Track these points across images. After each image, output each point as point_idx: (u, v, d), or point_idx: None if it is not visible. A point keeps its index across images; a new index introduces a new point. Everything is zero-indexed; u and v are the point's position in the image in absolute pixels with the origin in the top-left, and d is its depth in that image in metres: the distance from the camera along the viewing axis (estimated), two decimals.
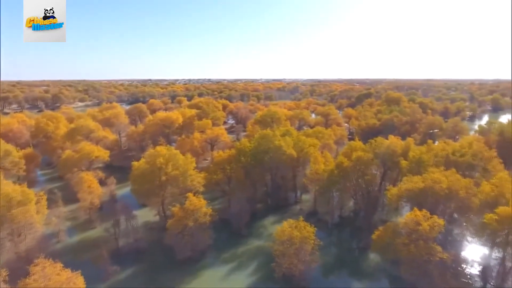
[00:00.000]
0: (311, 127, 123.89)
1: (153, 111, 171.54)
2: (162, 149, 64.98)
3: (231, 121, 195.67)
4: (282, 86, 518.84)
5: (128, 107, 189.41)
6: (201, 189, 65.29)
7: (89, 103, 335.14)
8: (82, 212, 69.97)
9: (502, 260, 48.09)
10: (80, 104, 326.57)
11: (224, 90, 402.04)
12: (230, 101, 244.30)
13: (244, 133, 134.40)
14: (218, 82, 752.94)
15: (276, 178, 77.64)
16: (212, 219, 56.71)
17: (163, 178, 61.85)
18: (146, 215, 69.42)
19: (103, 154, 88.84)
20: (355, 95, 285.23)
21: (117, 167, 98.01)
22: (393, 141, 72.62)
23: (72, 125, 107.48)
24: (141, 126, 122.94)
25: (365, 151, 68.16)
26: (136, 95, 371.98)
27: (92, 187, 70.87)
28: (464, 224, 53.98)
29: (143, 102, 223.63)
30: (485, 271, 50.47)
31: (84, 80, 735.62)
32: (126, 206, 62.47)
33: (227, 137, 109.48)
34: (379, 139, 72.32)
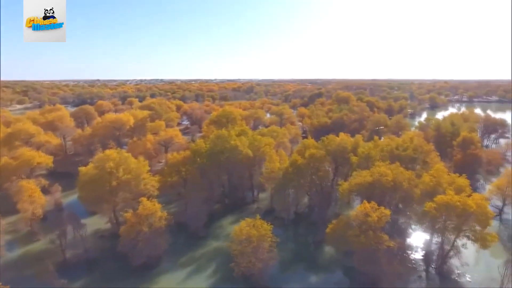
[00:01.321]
0: (266, 127, 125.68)
1: (101, 113, 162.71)
2: (112, 152, 61.91)
3: (185, 122, 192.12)
4: (237, 86, 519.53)
5: (74, 109, 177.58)
6: (156, 192, 63.23)
7: (29, 105, 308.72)
8: (23, 224, 64.35)
9: (441, 244, 52.67)
10: (18, 106, 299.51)
11: (178, 91, 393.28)
12: (185, 102, 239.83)
13: (200, 134, 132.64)
14: (171, 82, 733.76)
15: (232, 178, 77.69)
16: (168, 223, 55.30)
17: (114, 183, 58.94)
18: (96, 223, 65.79)
19: (46, 160, 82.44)
20: (308, 94, 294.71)
21: (62, 174, 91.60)
22: (343, 138, 76.35)
23: (9, 130, 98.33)
24: (89, 129, 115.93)
25: (317, 149, 70.71)
26: (83, 96, 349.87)
27: (34, 196, 65.34)
28: (408, 213, 58.17)
29: (91, 104, 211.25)
30: (427, 255, 54.86)
31: (23, 81, 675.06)
32: (74, 215, 58.62)
33: (181, 138, 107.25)
34: (331, 136, 75.47)
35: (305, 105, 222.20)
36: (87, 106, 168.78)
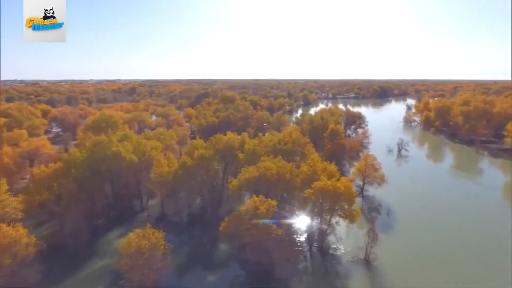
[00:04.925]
0: (152, 129, 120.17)
1: None
2: None
3: (56, 129, 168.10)
4: (118, 87, 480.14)
5: None
6: (19, 215, 53.28)
7: None
8: None
9: (320, 225, 59.79)
10: None
11: (43, 93, 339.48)
12: (53, 106, 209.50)
13: (74, 142, 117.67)
14: (35, 83, 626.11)
15: (117, 187, 71.76)
16: (39, 248, 47.44)
17: None
18: None
19: None
20: (194, 95, 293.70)
21: None
22: (230, 137, 78.94)
23: None
24: None
25: (206, 149, 71.28)
26: None
27: None
28: (292, 201, 64.03)
29: None
30: (310, 236, 61.45)
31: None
32: None
33: (51, 149, 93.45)
34: (218, 136, 77.02)
35: (192, 105, 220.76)
36: None
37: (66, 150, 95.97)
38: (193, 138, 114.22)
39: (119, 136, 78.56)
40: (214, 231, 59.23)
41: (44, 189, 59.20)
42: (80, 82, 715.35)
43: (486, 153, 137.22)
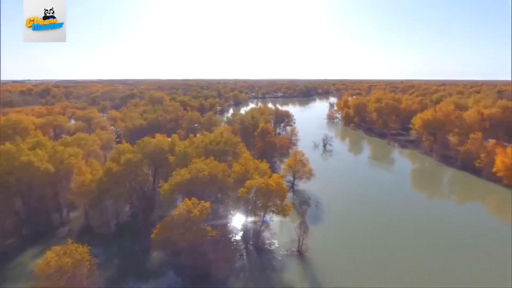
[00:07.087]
0: (71, 135, 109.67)
1: None
2: None
3: None
4: (27, 88, 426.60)
5: None
6: None
7: None
8: None
9: (254, 222, 61.07)
10: None
11: None
12: None
13: None
14: None
15: (30, 201, 63.90)
16: None
17: None
18: None
19: None
20: (119, 96, 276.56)
21: None
22: (160, 139, 76.11)
23: None
24: None
25: (134, 153, 67.65)
26: None
27: None
28: (226, 200, 64.20)
29: None
30: (245, 234, 62.38)
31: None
32: None
33: None
34: (147, 139, 73.63)
35: (116, 107, 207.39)
36: None
37: None
38: (119, 142, 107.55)
39: (30, 144, 70.11)
40: (146, 239, 56.41)
41: None
42: None
43: (396, 144, 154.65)
